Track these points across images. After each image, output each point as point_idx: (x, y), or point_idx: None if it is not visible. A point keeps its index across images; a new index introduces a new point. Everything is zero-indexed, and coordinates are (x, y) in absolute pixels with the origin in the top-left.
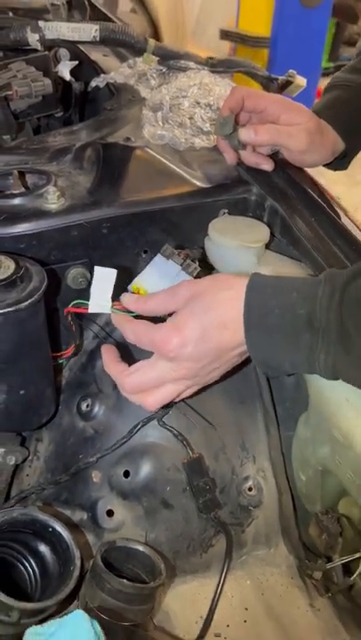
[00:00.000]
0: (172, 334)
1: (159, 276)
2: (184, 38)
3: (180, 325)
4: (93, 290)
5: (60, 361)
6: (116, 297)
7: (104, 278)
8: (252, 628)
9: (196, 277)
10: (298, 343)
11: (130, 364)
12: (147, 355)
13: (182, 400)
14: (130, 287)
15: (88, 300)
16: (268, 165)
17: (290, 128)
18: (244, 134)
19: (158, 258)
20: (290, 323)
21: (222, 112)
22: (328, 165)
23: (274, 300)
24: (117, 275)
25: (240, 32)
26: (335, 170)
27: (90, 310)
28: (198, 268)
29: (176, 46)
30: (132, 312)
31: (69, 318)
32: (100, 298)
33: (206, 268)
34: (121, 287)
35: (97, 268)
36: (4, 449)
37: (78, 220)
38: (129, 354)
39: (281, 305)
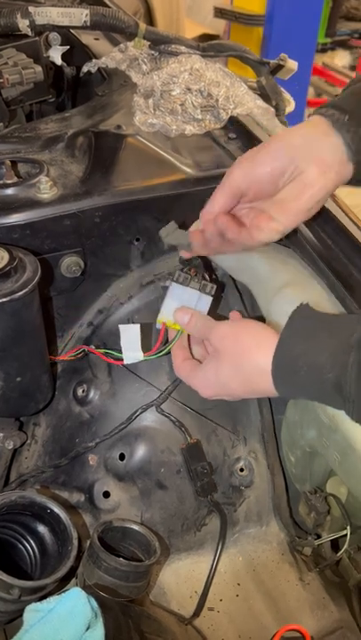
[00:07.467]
0: (210, 389)
1: (180, 306)
2: (179, 14)
3: (217, 379)
4: (123, 344)
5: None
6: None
7: (130, 334)
8: (243, 602)
9: (215, 295)
10: (328, 401)
11: None
12: None
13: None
14: (157, 322)
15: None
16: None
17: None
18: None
19: (174, 287)
20: (318, 384)
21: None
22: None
23: (302, 359)
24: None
25: (234, 10)
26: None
27: (125, 362)
28: (215, 286)
29: (170, 23)
30: (159, 353)
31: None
32: (131, 350)
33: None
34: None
35: (121, 326)
36: (2, 433)
37: (71, 210)
38: None
39: (309, 365)
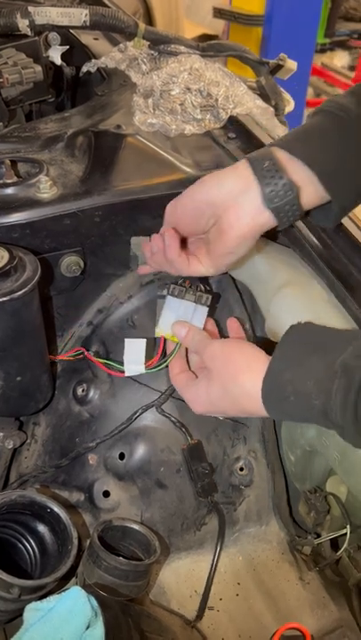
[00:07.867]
0: (201, 406)
1: (177, 318)
2: (178, 14)
3: (207, 397)
4: (126, 358)
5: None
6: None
7: (135, 348)
8: (243, 602)
9: (210, 305)
10: (318, 424)
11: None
12: None
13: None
14: (155, 334)
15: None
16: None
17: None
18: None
19: (170, 300)
20: (306, 411)
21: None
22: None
23: (290, 386)
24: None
25: (233, 10)
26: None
27: (127, 374)
28: (210, 296)
29: (169, 23)
30: (159, 366)
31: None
32: (133, 364)
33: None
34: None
35: (127, 340)
36: (2, 433)
37: (71, 209)
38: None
39: (296, 393)
